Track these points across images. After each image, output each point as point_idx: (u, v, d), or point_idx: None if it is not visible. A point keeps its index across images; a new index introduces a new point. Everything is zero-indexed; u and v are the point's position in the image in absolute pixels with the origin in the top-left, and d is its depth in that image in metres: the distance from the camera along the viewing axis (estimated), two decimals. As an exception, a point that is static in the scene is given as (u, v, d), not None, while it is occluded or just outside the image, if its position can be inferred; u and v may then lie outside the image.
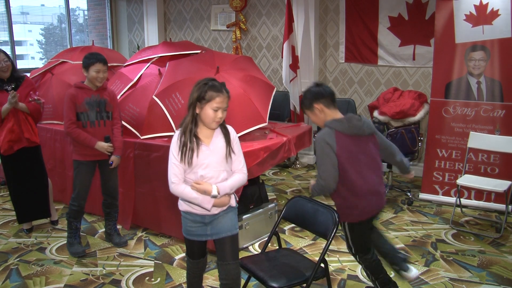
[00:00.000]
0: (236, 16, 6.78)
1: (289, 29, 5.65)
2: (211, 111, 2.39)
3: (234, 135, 2.56)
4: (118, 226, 4.26)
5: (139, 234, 4.20)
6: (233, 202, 2.55)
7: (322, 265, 2.61)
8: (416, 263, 3.63)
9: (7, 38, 6.56)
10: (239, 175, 2.51)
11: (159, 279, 3.44)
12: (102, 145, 3.63)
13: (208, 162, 2.42)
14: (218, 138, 2.49)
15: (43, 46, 8.25)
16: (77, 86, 3.66)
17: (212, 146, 2.45)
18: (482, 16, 4.50)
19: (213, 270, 3.48)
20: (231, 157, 2.50)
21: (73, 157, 3.74)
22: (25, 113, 3.91)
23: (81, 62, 3.72)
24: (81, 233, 4.03)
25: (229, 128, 2.56)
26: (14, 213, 4.31)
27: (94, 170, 3.78)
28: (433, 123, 4.89)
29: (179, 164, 2.44)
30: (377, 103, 5.23)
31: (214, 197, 2.39)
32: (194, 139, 2.42)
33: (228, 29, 6.93)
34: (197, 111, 2.41)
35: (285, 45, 5.68)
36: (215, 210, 2.47)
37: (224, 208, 2.50)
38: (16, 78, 3.94)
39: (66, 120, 3.60)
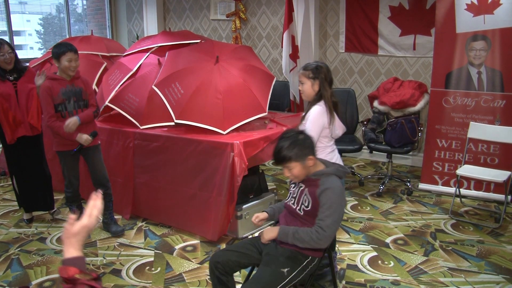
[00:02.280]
0: (236, 6, 6.74)
1: (289, 18, 5.62)
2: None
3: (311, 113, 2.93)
4: (118, 217, 4.28)
5: (139, 224, 4.21)
6: None
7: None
8: (415, 252, 3.65)
9: (5, 28, 6.52)
10: None
11: (159, 268, 3.45)
12: (81, 137, 3.64)
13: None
14: None
15: (42, 36, 8.20)
16: (51, 78, 3.64)
17: None
18: (484, 5, 4.47)
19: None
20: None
21: (55, 148, 3.76)
22: (31, 98, 3.92)
23: (81, 52, 3.73)
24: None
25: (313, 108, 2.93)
26: (14, 203, 4.31)
27: (78, 157, 3.85)
28: (433, 113, 4.88)
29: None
30: (377, 93, 5.22)
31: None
32: None
33: (228, 18, 6.89)
34: None
35: (285, 35, 5.65)
36: None
37: None
38: (19, 69, 3.93)
39: (45, 114, 3.61)
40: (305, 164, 2.36)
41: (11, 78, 3.87)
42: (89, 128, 3.76)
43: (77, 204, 3.98)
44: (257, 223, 2.59)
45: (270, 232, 2.43)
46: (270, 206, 2.73)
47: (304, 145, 2.36)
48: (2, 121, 3.88)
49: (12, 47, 3.87)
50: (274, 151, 2.40)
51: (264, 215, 2.63)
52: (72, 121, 3.58)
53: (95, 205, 1.47)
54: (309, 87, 2.96)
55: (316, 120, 2.90)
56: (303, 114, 3.07)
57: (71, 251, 1.36)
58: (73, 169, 3.83)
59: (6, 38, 6.51)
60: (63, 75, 3.64)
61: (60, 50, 3.57)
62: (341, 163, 2.98)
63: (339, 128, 3.07)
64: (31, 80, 3.93)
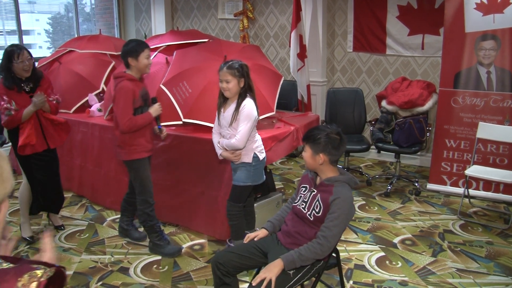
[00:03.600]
0: (244, 5, 6.73)
1: (297, 17, 5.61)
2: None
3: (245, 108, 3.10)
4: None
5: (147, 222, 4.22)
6: (244, 158, 3.23)
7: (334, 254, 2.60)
8: (423, 253, 3.63)
9: (15, 28, 6.56)
10: (231, 140, 3.14)
11: (166, 267, 3.46)
12: (155, 108, 3.43)
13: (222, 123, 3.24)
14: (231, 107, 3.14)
15: (51, 35, 8.24)
16: (130, 79, 3.34)
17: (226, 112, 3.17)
18: (493, 4, 4.44)
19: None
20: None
21: (129, 157, 3.43)
22: (46, 114, 3.64)
23: (90, 51, 3.66)
24: (94, 223, 4.07)
25: (245, 101, 3.11)
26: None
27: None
28: (441, 113, 4.85)
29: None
30: (385, 93, 5.20)
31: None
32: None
33: (236, 17, 6.89)
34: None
35: (292, 34, 5.64)
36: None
37: (238, 162, 3.24)
38: (35, 77, 3.62)
39: (123, 117, 3.26)
40: (314, 157, 2.41)
41: (27, 89, 3.56)
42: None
43: (157, 219, 3.67)
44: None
45: (274, 268, 2.28)
46: (269, 221, 2.67)
47: (326, 143, 2.38)
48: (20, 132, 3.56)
49: (31, 54, 3.56)
50: (311, 128, 2.53)
51: (263, 233, 2.61)
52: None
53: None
54: (235, 85, 3.12)
55: (251, 115, 3.12)
56: (232, 109, 3.17)
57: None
58: (149, 176, 3.54)
59: (16, 37, 6.55)
60: (137, 75, 3.39)
61: (140, 47, 3.33)
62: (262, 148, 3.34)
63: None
64: (47, 90, 3.67)
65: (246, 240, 2.58)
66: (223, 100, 3.26)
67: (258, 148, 3.30)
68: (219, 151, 3.32)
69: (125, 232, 3.94)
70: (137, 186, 3.52)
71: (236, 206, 3.36)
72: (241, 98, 3.15)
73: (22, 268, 1.07)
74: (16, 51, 3.44)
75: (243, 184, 3.29)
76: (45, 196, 3.88)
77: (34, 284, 1.04)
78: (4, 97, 3.44)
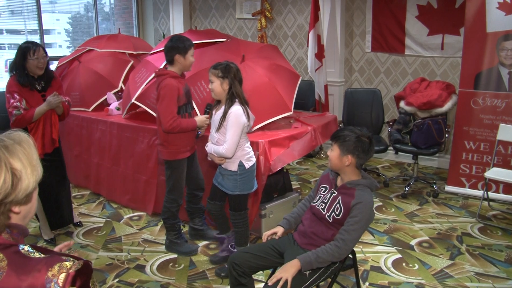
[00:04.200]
0: (262, 5, 6.73)
1: (315, 17, 5.59)
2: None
3: (231, 115, 2.99)
4: (142, 213, 4.33)
5: (163, 220, 4.25)
6: (233, 167, 3.11)
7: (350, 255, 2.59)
8: (440, 256, 3.59)
9: (36, 27, 6.67)
10: (219, 147, 3.04)
11: (182, 265, 3.48)
12: (201, 119, 3.36)
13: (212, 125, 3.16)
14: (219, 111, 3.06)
15: (70, 34, 8.36)
16: (173, 76, 3.29)
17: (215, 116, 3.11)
18: (516, 4, 4.36)
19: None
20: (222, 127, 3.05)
21: (168, 157, 3.42)
22: (54, 113, 3.60)
23: (109, 50, 3.65)
24: (111, 220, 4.11)
25: (232, 108, 3.00)
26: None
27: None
28: (461, 115, 4.78)
29: None
30: (404, 94, 5.15)
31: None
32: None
33: (254, 17, 6.89)
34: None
35: (310, 34, 5.62)
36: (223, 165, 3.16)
37: (224, 167, 3.15)
38: (47, 76, 3.59)
39: (167, 116, 3.22)
40: (341, 157, 2.37)
41: (39, 88, 3.54)
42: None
43: (179, 219, 3.67)
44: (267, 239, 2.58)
45: (291, 268, 2.27)
46: (284, 218, 2.66)
47: (356, 145, 2.36)
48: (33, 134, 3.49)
49: (46, 52, 3.52)
50: (348, 127, 2.46)
51: (280, 231, 2.59)
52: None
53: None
54: (218, 86, 3.03)
55: (239, 123, 3.00)
56: (220, 114, 3.08)
57: None
58: (184, 178, 3.53)
59: (37, 37, 6.66)
60: (179, 72, 3.34)
61: (188, 44, 3.29)
62: (252, 153, 3.23)
63: (251, 120, 3.20)
64: (58, 91, 3.61)
65: (264, 238, 2.57)
66: (217, 102, 3.18)
67: (245, 156, 3.13)
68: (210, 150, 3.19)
69: (200, 233, 3.86)
70: (169, 185, 3.50)
71: (236, 215, 3.26)
72: (228, 104, 3.03)
73: (52, 259, 1.10)
74: (31, 48, 3.41)
75: (232, 193, 3.19)
76: (60, 209, 3.88)
77: (63, 276, 1.07)
78: (16, 95, 3.39)
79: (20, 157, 1.13)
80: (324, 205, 2.45)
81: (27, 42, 3.49)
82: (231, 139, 2.98)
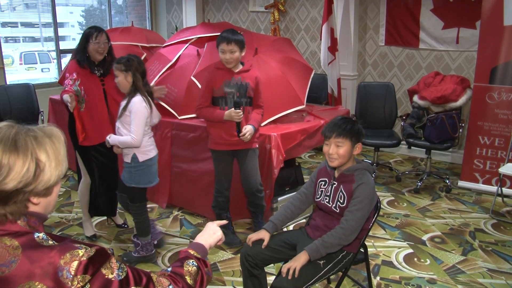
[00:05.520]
0: (275, -2, 6.71)
1: (328, 10, 5.55)
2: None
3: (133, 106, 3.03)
4: (154, 205, 4.35)
5: (175, 213, 4.28)
6: (127, 159, 3.16)
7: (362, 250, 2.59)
8: (453, 251, 3.56)
9: (50, 20, 6.72)
10: (126, 137, 3.06)
11: (194, 257, 3.50)
12: (229, 114, 3.29)
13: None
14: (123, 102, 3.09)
15: (84, 27, 8.41)
16: (218, 67, 3.38)
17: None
18: (534, -3, 4.29)
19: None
20: (123, 118, 3.07)
21: (209, 145, 3.52)
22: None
23: (122, 43, 3.63)
24: (123, 212, 4.15)
25: (134, 98, 3.04)
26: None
27: (231, 158, 3.52)
28: (475, 109, 4.73)
29: None
30: (417, 88, 5.10)
31: (108, 143, 3.16)
32: None
33: (267, 10, 6.86)
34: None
35: (324, 27, 5.59)
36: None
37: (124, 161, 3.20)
38: (107, 63, 3.52)
39: (197, 102, 3.41)
40: (353, 149, 2.39)
41: (97, 73, 3.47)
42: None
43: (227, 211, 3.70)
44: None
45: (300, 258, 2.28)
46: (270, 221, 2.57)
47: (361, 132, 2.42)
48: (79, 122, 3.41)
49: (109, 39, 3.50)
50: (337, 120, 2.43)
51: (266, 237, 2.49)
52: (248, 131, 3.29)
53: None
54: (123, 79, 3.07)
55: (141, 112, 3.05)
56: (123, 104, 3.09)
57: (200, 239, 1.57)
58: (225, 170, 3.53)
59: (51, 30, 6.71)
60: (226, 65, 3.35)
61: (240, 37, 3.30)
62: (155, 148, 3.27)
63: (156, 117, 3.29)
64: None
65: (248, 242, 2.51)
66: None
67: (140, 149, 3.13)
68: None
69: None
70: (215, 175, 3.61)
71: (133, 206, 3.30)
72: (130, 96, 3.06)
73: (65, 246, 1.12)
74: (94, 33, 3.39)
75: (128, 185, 3.22)
76: (103, 196, 3.78)
77: (75, 263, 1.08)
78: (74, 74, 3.35)
79: (47, 150, 1.16)
80: (328, 198, 2.47)
81: (92, 27, 3.46)
82: (136, 129, 3.02)
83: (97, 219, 4.14)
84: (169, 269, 1.33)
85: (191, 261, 1.38)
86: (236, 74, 3.35)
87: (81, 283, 1.08)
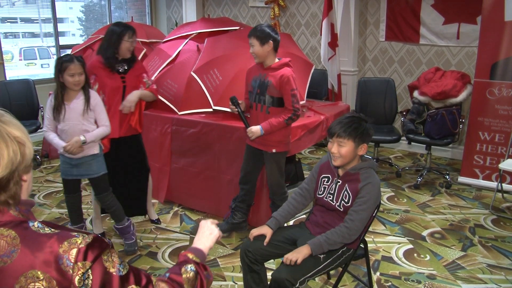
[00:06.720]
0: (275, -7, 6.68)
1: (329, 6, 5.53)
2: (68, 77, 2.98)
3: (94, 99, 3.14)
4: (154, 201, 4.35)
5: (175, 208, 4.28)
6: (96, 150, 3.22)
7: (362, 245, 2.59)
8: (452, 247, 3.57)
9: (50, 16, 6.70)
10: (102, 128, 3.17)
11: (194, 252, 3.50)
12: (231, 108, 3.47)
13: (67, 117, 3.08)
14: (79, 99, 3.09)
15: (83, 23, 8.39)
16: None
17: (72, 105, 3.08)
18: (535, -8, 4.27)
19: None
20: (88, 114, 3.11)
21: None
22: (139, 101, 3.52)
23: None
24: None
25: (92, 92, 3.14)
26: (57, 184, 4.41)
27: (255, 156, 3.47)
28: (476, 105, 4.72)
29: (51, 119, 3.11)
30: (418, 83, 5.09)
31: (84, 143, 3.07)
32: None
33: (267, 5, 6.85)
34: (61, 79, 3.02)
35: (324, 23, 5.57)
36: (79, 155, 3.15)
37: (88, 154, 3.18)
38: (131, 60, 3.48)
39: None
40: (357, 149, 2.36)
41: (120, 70, 3.43)
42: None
43: (247, 206, 3.69)
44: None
45: (302, 251, 2.31)
46: (273, 216, 2.58)
47: (368, 132, 2.38)
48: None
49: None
50: (343, 118, 2.40)
51: (268, 233, 2.50)
52: (250, 131, 3.29)
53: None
54: (83, 78, 3.10)
55: (101, 101, 3.22)
56: (80, 103, 3.10)
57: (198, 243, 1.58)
58: (244, 161, 3.52)
59: (51, 25, 6.69)
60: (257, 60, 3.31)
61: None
62: None
63: None
64: (139, 74, 3.52)
65: (250, 237, 2.52)
66: (64, 94, 3.07)
67: None
68: (61, 145, 3.08)
69: (236, 226, 3.76)
70: None
71: (107, 196, 3.37)
72: (86, 90, 3.10)
73: (63, 234, 1.12)
74: (128, 31, 3.36)
75: (98, 175, 3.28)
76: (127, 195, 3.72)
77: (74, 251, 1.09)
78: (92, 76, 3.34)
79: (15, 124, 1.14)
80: (332, 196, 2.45)
81: (119, 25, 3.41)
82: (105, 116, 3.20)
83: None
84: (167, 274, 1.33)
85: (189, 266, 1.37)
86: (264, 71, 3.29)
87: (82, 270, 1.08)
